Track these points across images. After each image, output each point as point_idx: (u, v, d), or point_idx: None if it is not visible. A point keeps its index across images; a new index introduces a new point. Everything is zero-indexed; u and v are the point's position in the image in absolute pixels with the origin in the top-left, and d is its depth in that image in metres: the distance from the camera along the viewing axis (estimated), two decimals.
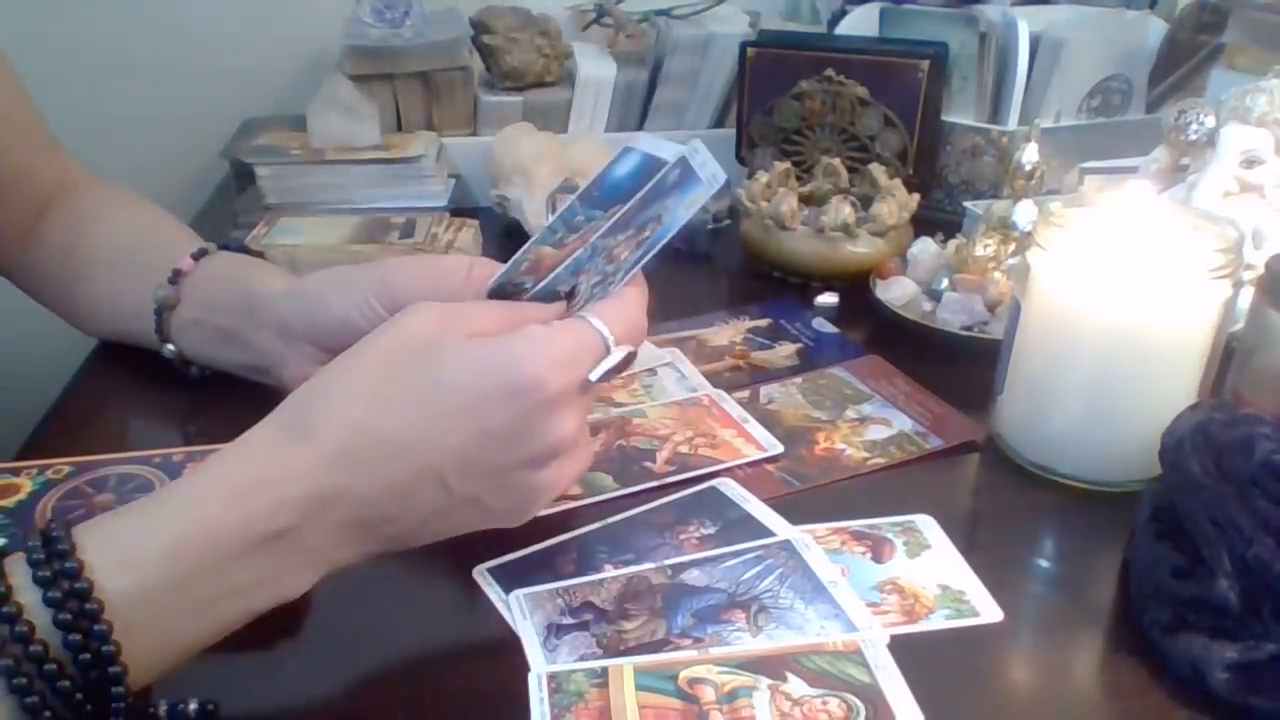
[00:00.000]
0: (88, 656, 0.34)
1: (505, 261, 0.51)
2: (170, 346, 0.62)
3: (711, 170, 0.47)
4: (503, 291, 0.49)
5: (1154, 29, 0.95)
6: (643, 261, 0.47)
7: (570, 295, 0.48)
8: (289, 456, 0.39)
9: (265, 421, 0.41)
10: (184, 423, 0.63)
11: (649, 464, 0.57)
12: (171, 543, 0.36)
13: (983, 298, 0.71)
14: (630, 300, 0.46)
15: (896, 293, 0.74)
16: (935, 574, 0.49)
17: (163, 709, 0.38)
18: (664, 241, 0.47)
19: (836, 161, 0.87)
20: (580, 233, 0.50)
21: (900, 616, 0.46)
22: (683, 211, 0.47)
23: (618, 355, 0.45)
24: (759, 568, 0.48)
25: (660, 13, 1.06)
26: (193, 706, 0.39)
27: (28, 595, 0.34)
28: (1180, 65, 0.95)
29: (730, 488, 0.55)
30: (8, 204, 0.65)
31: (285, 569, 0.39)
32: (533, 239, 0.51)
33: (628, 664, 0.42)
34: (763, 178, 0.84)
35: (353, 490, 0.40)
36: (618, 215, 0.48)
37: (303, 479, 0.39)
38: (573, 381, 0.43)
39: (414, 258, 0.56)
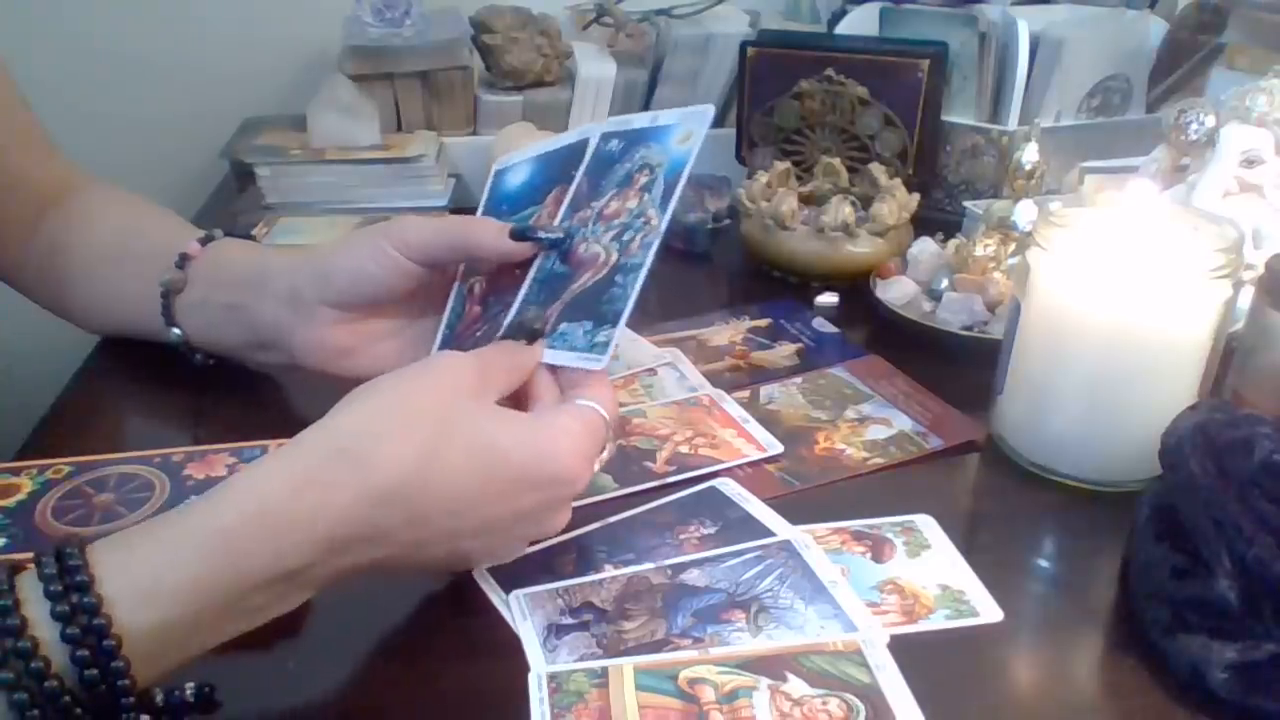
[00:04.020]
0: (103, 689, 0.34)
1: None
2: (176, 330, 0.62)
3: (687, 110, 0.53)
4: (523, 234, 0.53)
5: (1154, 29, 0.95)
6: (671, 202, 0.50)
7: (568, 245, 0.53)
8: (335, 492, 0.39)
9: (303, 450, 0.40)
10: (184, 423, 0.63)
11: (649, 464, 0.57)
12: (196, 576, 0.36)
13: (983, 298, 0.71)
14: (608, 382, 0.49)
15: (896, 293, 0.74)
16: (935, 574, 0.49)
17: (159, 697, 0.38)
18: (680, 175, 0.50)
19: (836, 161, 0.87)
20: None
21: (900, 616, 0.46)
22: (676, 146, 0.52)
23: (611, 448, 0.50)
24: (759, 568, 0.48)
25: (660, 12, 1.06)
26: (189, 691, 0.39)
27: (45, 630, 0.34)
28: (1180, 65, 0.95)
29: (730, 488, 0.55)
30: (5, 209, 0.65)
31: (295, 595, 0.39)
32: (460, 272, 0.58)
33: (628, 664, 0.42)
34: (763, 178, 0.84)
35: (390, 534, 0.40)
36: (570, 194, 0.55)
37: (347, 516, 0.38)
38: (591, 471, 0.46)
39: (418, 215, 0.58)
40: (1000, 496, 0.56)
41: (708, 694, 0.41)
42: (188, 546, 0.36)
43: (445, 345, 0.56)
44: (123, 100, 1.20)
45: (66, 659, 0.34)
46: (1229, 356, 0.56)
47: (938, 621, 0.46)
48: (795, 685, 0.42)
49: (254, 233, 0.80)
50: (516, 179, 0.59)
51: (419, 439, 0.40)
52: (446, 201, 0.89)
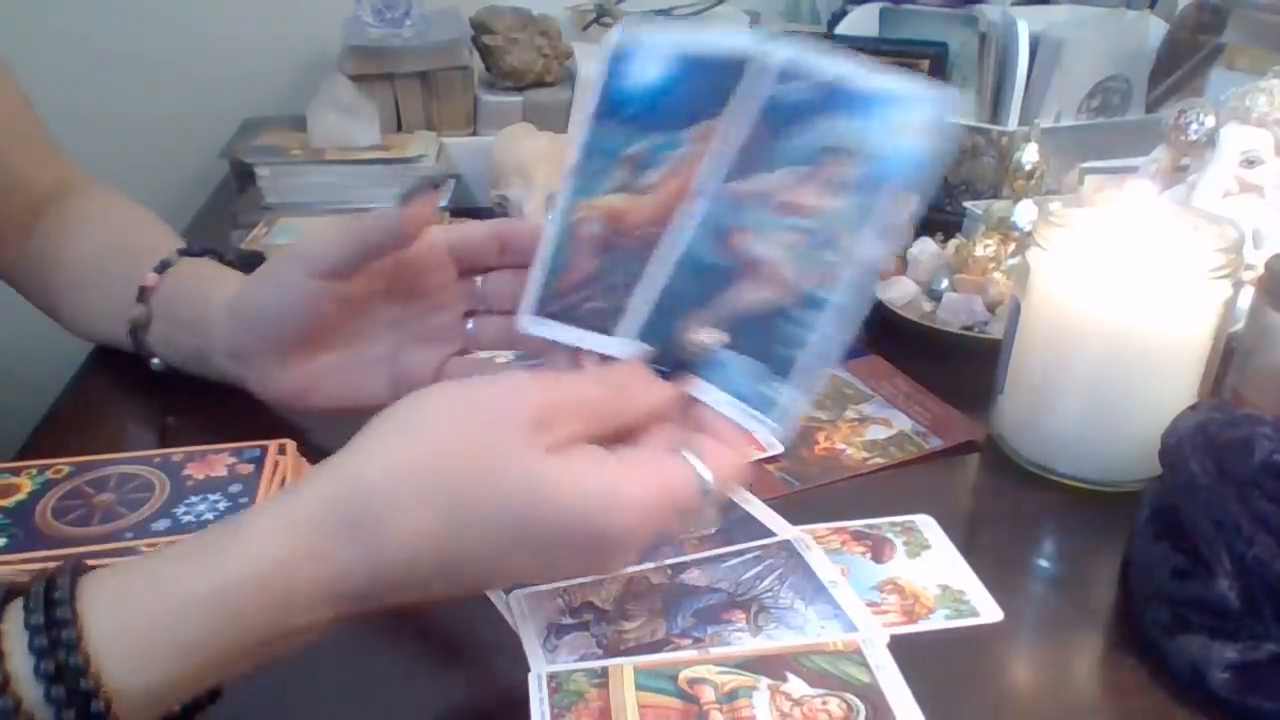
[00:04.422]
0: None
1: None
2: (156, 361, 0.62)
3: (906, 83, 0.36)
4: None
5: (1154, 29, 0.95)
6: (883, 227, 0.36)
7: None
8: (347, 561, 0.35)
9: (314, 506, 0.35)
10: (183, 422, 0.63)
11: None
12: (196, 640, 0.33)
13: (983, 298, 0.71)
14: (747, 445, 0.39)
15: (896, 293, 0.74)
16: (935, 574, 0.49)
17: None
18: (898, 188, 0.36)
19: None
20: (658, 166, 0.40)
21: (900, 616, 0.46)
22: (893, 138, 0.36)
23: (706, 519, 0.40)
24: (759, 568, 0.48)
25: (660, 12, 1.06)
26: None
27: (28, 688, 0.31)
28: (1180, 65, 0.95)
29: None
30: (3, 209, 0.65)
31: (304, 640, 0.37)
32: (562, 201, 0.42)
33: (628, 664, 0.42)
34: None
35: (408, 592, 0.37)
36: (725, 142, 0.39)
37: (359, 584, 0.35)
38: (650, 542, 0.40)
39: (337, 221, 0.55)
40: (1000, 496, 0.56)
41: (708, 694, 0.41)
42: (189, 606, 0.33)
43: (543, 302, 0.43)
44: (123, 100, 1.20)
45: (51, 717, 0.31)
46: (1229, 356, 0.56)
47: (938, 621, 0.46)
48: (795, 685, 0.41)
49: (254, 233, 0.80)
50: (648, 75, 0.42)
51: (445, 508, 0.35)
52: (446, 201, 0.89)
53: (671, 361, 0.38)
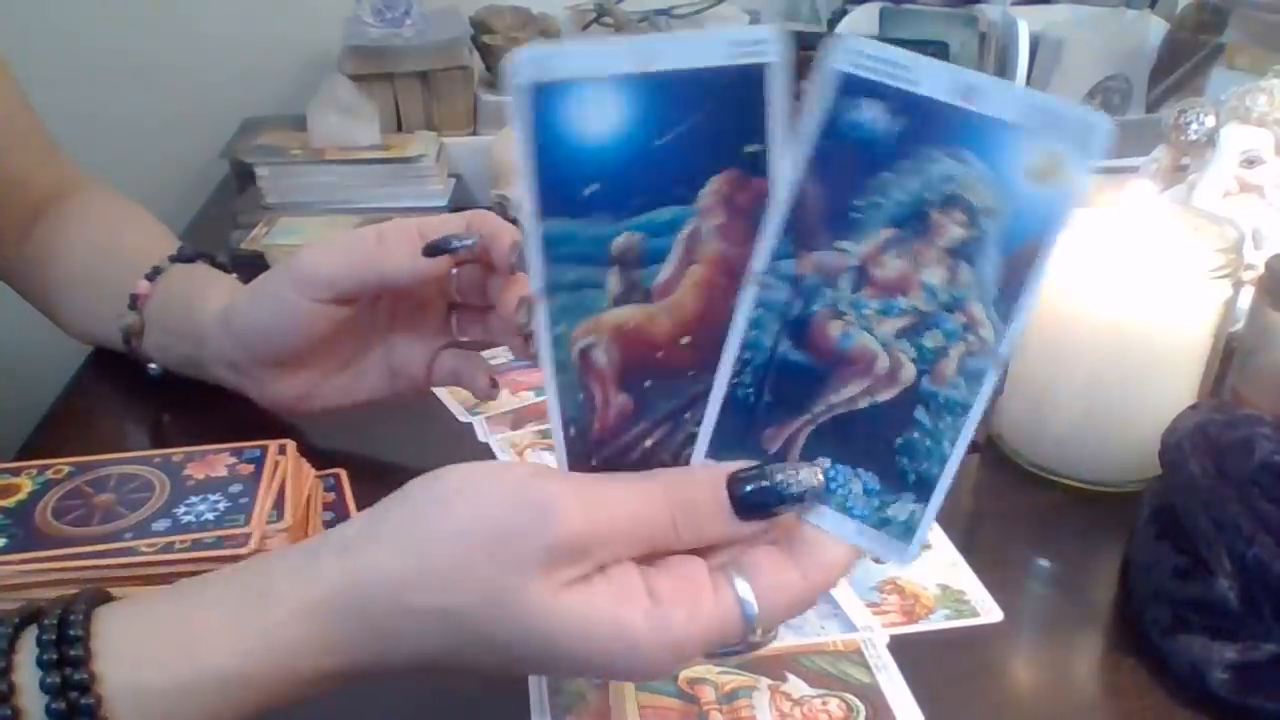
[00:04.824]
0: None
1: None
2: (153, 366, 0.61)
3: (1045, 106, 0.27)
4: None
5: (1154, 29, 0.95)
6: (1023, 302, 0.28)
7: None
8: (355, 643, 0.35)
9: (324, 590, 0.34)
10: (184, 422, 0.63)
11: None
12: (206, 712, 0.33)
13: None
14: (838, 571, 0.34)
15: None
16: (935, 574, 0.49)
17: None
18: (1037, 251, 0.27)
19: None
20: (666, 255, 0.30)
21: (900, 616, 0.46)
22: (1026, 183, 0.27)
23: (756, 643, 0.33)
24: None
25: (660, 13, 1.06)
26: None
27: None
28: (1180, 65, 0.95)
29: None
30: (2, 209, 0.65)
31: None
32: (545, 333, 0.31)
33: None
34: None
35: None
36: (772, 201, 0.29)
37: (368, 666, 0.35)
38: (670, 672, 0.35)
39: (327, 240, 0.53)
40: (1000, 496, 0.56)
41: (708, 694, 0.41)
42: (207, 680, 0.33)
43: (577, 460, 0.34)
44: (123, 100, 1.20)
45: None
46: (1229, 356, 0.56)
47: (938, 621, 0.46)
48: (795, 685, 0.41)
49: (254, 233, 0.80)
50: (602, 122, 0.29)
51: (448, 638, 0.34)
52: (446, 202, 0.89)
53: (758, 481, 0.31)
